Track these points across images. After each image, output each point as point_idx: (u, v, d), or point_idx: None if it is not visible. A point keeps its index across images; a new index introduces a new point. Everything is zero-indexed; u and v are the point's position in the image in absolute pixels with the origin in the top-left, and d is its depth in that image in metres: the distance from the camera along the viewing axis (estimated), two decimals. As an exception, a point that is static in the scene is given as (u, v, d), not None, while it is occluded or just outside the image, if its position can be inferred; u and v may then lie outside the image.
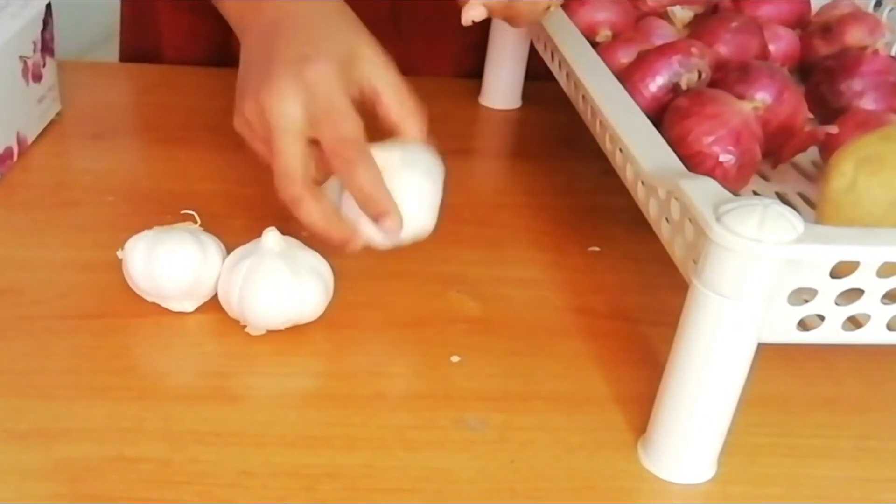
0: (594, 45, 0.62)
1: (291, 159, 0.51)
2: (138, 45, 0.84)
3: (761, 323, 0.40)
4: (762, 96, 0.56)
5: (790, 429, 0.49)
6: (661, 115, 0.56)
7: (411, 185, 0.53)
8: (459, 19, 0.78)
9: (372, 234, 0.52)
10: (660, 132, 0.51)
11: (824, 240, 0.39)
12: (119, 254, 0.52)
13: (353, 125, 0.51)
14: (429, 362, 0.51)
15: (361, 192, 0.51)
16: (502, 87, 0.80)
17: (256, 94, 0.51)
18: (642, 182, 0.49)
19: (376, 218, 0.51)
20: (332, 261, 0.53)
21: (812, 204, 0.57)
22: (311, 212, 0.51)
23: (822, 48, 0.68)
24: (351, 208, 0.52)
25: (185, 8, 0.80)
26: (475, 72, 0.81)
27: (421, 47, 0.82)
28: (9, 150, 0.63)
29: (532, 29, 0.71)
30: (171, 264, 0.50)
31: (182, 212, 0.54)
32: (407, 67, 0.86)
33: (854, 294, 0.41)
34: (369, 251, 0.61)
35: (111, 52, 0.92)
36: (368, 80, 0.53)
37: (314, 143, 0.51)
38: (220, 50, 0.81)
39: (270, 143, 0.51)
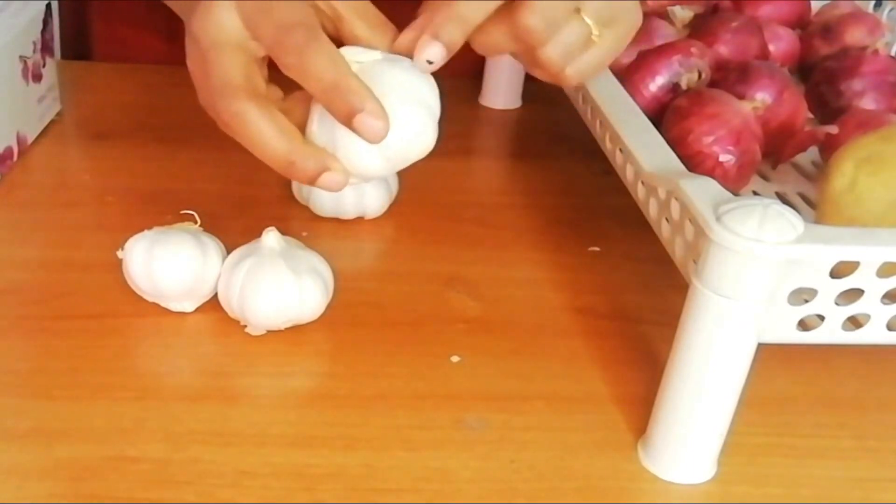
0: (594, 45, 0.62)
1: (226, 69, 0.43)
2: (75, 55, 0.84)
3: (761, 323, 0.40)
4: (762, 96, 0.56)
5: (790, 429, 0.49)
6: (661, 115, 0.56)
7: (402, 84, 0.44)
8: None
9: (357, 159, 0.44)
10: (660, 132, 0.51)
11: (824, 240, 0.39)
12: (119, 254, 0.52)
13: (295, 8, 0.42)
14: (429, 362, 0.51)
15: (321, 84, 0.41)
16: (502, 87, 0.80)
17: (188, 27, 0.44)
18: (642, 182, 0.49)
19: (349, 117, 0.41)
20: (331, 261, 0.53)
21: (812, 204, 0.57)
22: (261, 129, 0.42)
23: (822, 48, 0.68)
24: (326, 130, 0.44)
25: (117, 19, 0.80)
26: (475, 72, 0.81)
27: None
28: (9, 150, 0.63)
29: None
30: (170, 264, 0.50)
31: (182, 212, 0.54)
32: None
33: (854, 294, 0.41)
34: (368, 251, 0.61)
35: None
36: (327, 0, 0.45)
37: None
38: (151, 57, 0.80)
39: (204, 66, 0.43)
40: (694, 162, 0.53)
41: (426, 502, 0.43)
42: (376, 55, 0.45)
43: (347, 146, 0.44)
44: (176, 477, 0.42)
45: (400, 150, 0.45)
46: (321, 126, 0.45)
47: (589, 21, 0.45)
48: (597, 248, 0.62)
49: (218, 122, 0.44)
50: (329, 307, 0.52)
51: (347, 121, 0.42)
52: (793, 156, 0.60)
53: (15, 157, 0.64)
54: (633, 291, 0.58)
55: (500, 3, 0.43)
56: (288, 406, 0.47)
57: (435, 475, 0.44)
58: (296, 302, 0.50)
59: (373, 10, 0.47)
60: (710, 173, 0.51)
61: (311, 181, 0.44)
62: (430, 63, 0.44)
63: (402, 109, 0.43)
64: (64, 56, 0.85)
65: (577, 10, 0.45)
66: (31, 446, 0.43)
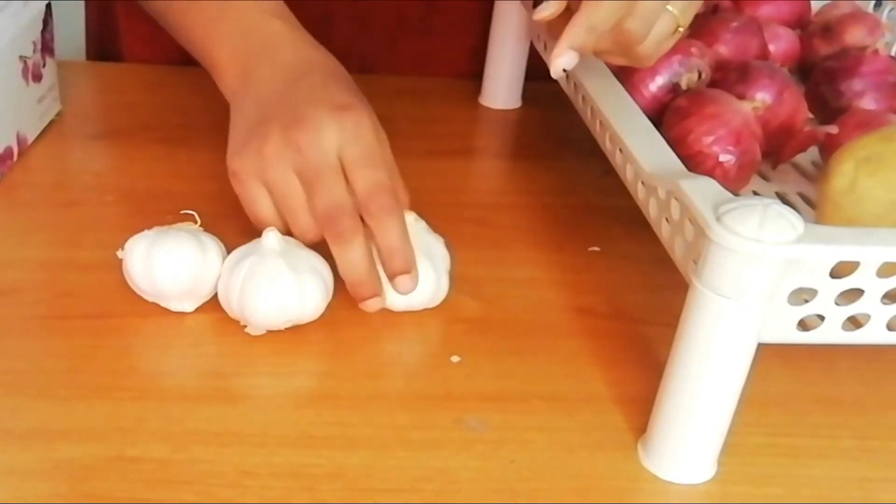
0: (594, 45, 0.62)
1: (341, 192, 0.50)
2: (102, 53, 0.85)
3: (761, 323, 0.40)
4: (762, 96, 0.56)
5: (790, 429, 0.49)
6: (661, 115, 0.56)
7: (430, 247, 0.54)
8: (460, 20, 0.77)
9: (391, 295, 0.53)
10: (660, 132, 0.51)
11: (824, 240, 0.39)
12: (119, 254, 0.52)
13: (389, 173, 0.51)
14: (429, 362, 0.51)
15: (390, 245, 0.51)
16: (502, 87, 0.80)
17: (285, 133, 0.51)
18: (642, 182, 0.49)
19: (396, 274, 0.51)
20: (332, 261, 0.53)
21: (812, 204, 0.57)
22: (358, 252, 0.50)
23: (822, 48, 0.68)
24: (381, 267, 0.52)
25: (141, 15, 0.81)
26: (475, 72, 0.81)
27: (422, 48, 0.82)
28: (9, 150, 0.63)
29: (532, 29, 0.71)
30: (171, 264, 0.50)
31: (182, 212, 0.54)
32: (409, 67, 0.86)
33: (854, 294, 0.41)
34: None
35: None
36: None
37: None
38: (178, 56, 0.81)
39: (309, 180, 0.50)
40: (694, 162, 0.53)
41: (426, 502, 0.43)
42: (411, 218, 0.54)
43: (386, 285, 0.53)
44: (176, 477, 0.42)
45: (417, 299, 0.53)
46: (379, 263, 0.53)
47: (675, 11, 0.51)
48: (597, 248, 0.62)
49: (326, 232, 0.51)
50: (329, 307, 0.52)
51: (394, 275, 0.51)
52: (793, 156, 0.60)
53: (15, 157, 0.64)
54: (633, 291, 0.58)
55: (622, 10, 0.48)
56: (288, 406, 0.47)
57: (435, 475, 0.44)
58: (296, 302, 0.50)
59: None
60: (710, 173, 0.51)
61: (363, 300, 0.52)
62: (566, 71, 0.50)
63: (423, 267, 0.53)
64: (89, 56, 0.86)
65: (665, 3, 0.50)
66: (31, 446, 0.43)
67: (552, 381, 0.51)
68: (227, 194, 0.63)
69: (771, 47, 0.66)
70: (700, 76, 0.58)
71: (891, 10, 0.72)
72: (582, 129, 0.60)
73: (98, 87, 0.77)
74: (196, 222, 0.54)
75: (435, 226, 0.56)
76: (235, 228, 0.54)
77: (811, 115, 0.62)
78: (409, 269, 0.51)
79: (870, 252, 0.40)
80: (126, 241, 0.52)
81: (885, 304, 0.42)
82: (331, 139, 0.51)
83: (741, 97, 0.55)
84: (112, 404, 0.46)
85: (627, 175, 0.51)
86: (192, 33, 0.59)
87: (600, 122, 0.55)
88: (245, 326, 0.51)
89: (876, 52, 0.62)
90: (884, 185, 0.47)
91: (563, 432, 0.47)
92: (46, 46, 0.67)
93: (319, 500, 0.42)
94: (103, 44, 0.85)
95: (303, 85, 0.53)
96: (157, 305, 0.52)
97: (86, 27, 0.86)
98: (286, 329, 0.51)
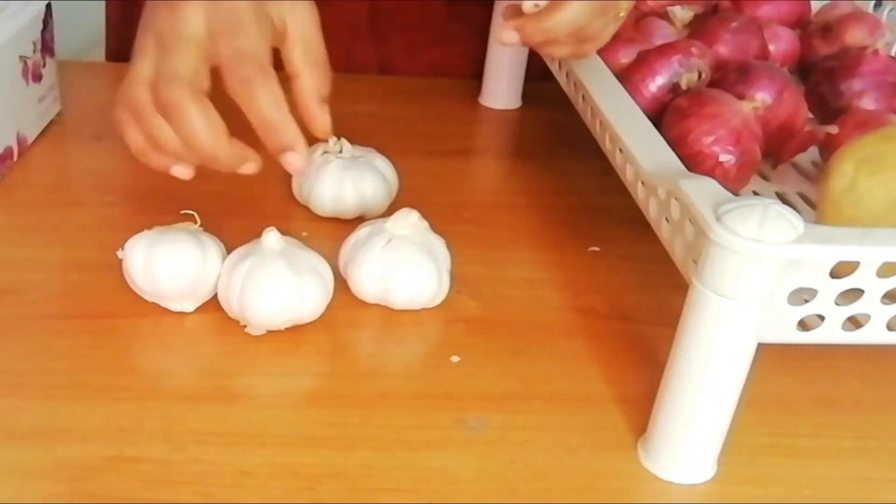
0: (594, 45, 0.62)
1: (180, 61, 0.45)
2: (124, 46, 0.85)
3: (761, 323, 0.40)
4: (762, 96, 0.56)
5: (790, 429, 0.49)
6: (661, 115, 0.56)
7: (432, 246, 0.54)
8: (463, 21, 0.77)
9: (391, 295, 0.53)
10: (660, 132, 0.51)
11: (824, 240, 0.39)
12: (119, 254, 0.52)
13: (255, 40, 0.45)
14: (429, 362, 0.51)
15: (261, 118, 0.45)
16: (502, 87, 0.80)
17: (155, 23, 0.47)
18: (642, 182, 0.49)
19: (278, 151, 0.46)
20: (331, 261, 0.53)
21: (812, 204, 0.58)
22: (192, 120, 0.45)
23: (822, 48, 0.68)
24: (384, 265, 0.52)
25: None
26: (475, 72, 0.81)
27: (441, 54, 0.82)
28: (9, 150, 0.63)
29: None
30: (170, 264, 0.50)
31: (182, 212, 0.54)
32: (410, 68, 0.86)
33: (854, 294, 0.41)
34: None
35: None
36: (281, 14, 0.47)
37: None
38: None
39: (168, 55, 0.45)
40: (694, 162, 0.53)
41: (426, 502, 0.43)
42: (415, 217, 0.54)
43: (400, 281, 0.53)
44: (176, 477, 0.42)
45: (418, 299, 0.54)
46: (381, 261, 0.53)
47: (623, 6, 0.54)
48: (597, 248, 0.62)
49: (155, 105, 0.47)
50: (329, 307, 0.52)
51: (277, 154, 0.46)
52: (793, 156, 0.60)
53: (15, 157, 0.64)
54: (633, 291, 0.58)
55: (579, 25, 0.52)
56: (288, 406, 0.47)
57: (435, 475, 0.44)
58: (296, 302, 0.50)
59: (316, 44, 0.49)
60: (710, 173, 0.51)
61: (230, 170, 0.48)
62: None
63: (426, 266, 0.53)
64: (108, 53, 0.86)
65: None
66: (31, 446, 0.43)
67: (552, 381, 0.51)
68: (227, 194, 0.63)
69: (771, 47, 0.66)
70: (700, 76, 0.58)
71: (891, 10, 0.72)
72: (582, 129, 0.60)
73: (98, 87, 0.77)
74: (196, 222, 0.54)
75: (435, 226, 0.56)
76: (235, 228, 0.54)
77: (811, 115, 0.62)
78: (290, 143, 0.46)
79: (870, 252, 0.40)
80: (126, 241, 0.52)
81: (885, 304, 0.42)
82: (192, 12, 0.46)
83: (741, 97, 0.55)
84: (112, 404, 0.46)
85: (627, 175, 0.52)
86: None
87: (600, 122, 0.55)
88: (245, 326, 0.51)
89: (876, 52, 0.62)
90: (884, 185, 0.47)
91: (563, 432, 0.47)
92: (46, 46, 0.67)
93: (319, 500, 0.42)
94: (125, 41, 0.84)
95: None
96: (157, 305, 0.52)
97: (106, 25, 0.86)
98: (286, 329, 0.51)
